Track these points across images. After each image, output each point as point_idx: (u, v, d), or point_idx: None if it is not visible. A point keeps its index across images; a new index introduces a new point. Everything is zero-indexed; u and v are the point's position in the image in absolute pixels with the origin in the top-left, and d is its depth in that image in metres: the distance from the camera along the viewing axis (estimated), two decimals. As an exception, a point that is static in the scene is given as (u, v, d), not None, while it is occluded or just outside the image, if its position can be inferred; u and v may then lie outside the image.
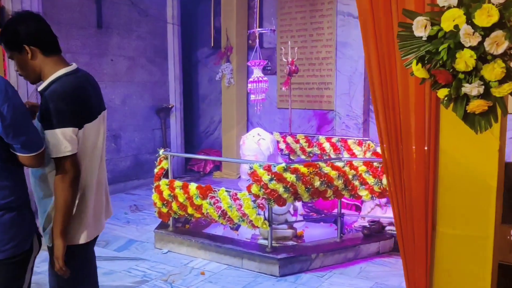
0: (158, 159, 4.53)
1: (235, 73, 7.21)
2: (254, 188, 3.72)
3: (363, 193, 3.92)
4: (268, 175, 3.68)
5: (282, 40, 7.08)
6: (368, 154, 4.94)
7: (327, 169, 3.84)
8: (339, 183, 3.88)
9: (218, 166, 7.75)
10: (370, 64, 2.20)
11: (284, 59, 5.76)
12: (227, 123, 7.39)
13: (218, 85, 7.74)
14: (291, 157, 5.79)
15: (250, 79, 5.07)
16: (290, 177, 3.68)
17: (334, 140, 5.50)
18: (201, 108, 8.15)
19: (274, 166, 3.74)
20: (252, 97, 5.09)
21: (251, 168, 3.81)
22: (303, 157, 5.76)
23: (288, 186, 3.68)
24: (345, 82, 6.37)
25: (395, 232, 4.34)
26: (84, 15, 6.03)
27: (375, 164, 3.93)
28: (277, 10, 7.10)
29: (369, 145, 5.05)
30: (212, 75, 7.84)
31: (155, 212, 4.44)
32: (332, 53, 6.60)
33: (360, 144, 5.31)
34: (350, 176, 3.93)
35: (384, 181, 3.82)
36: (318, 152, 5.61)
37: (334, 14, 6.54)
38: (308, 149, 5.68)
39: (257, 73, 5.04)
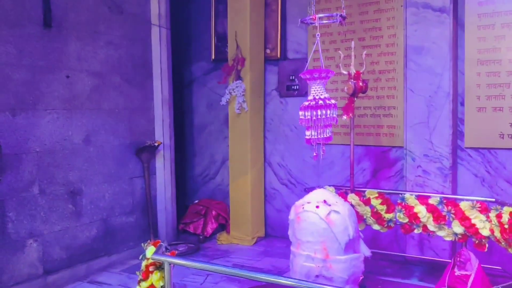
0: (143, 265, 2.32)
1: (249, 95, 5.04)
2: None
3: None
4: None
5: (316, 48, 4.96)
6: (524, 235, 2.81)
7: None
8: None
9: (223, 225, 5.52)
10: None
11: (344, 71, 3.63)
12: (237, 164, 5.20)
13: (221, 111, 5.58)
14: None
15: (305, 103, 2.90)
16: None
17: (433, 201, 3.36)
18: (197, 143, 5.93)
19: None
20: (308, 134, 2.92)
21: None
22: (376, 227, 3.59)
23: None
24: (421, 106, 4.27)
25: None
26: (22, 5, 3.81)
27: None
28: (308, 5, 5.00)
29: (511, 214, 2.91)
30: (213, 98, 5.67)
31: None
32: (398, 64, 4.51)
33: (484, 209, 3.18)
34: None
35: None
36: (405, 220, 3.45)
37: (399, 7, 4.48)
38: (387, 216, 3.52)
39: (318, 91, 2.88)
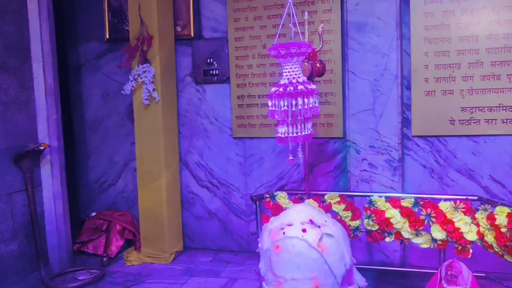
0: None
1: (159, 82, 4.14)
2: None
3: None
4: None
5: (237, 25, 4.22)
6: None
7: None
8: None
9: (131, 242, 4.57)
10: None
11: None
12: (146, 166, 4.27)
13: (121, 102, 4.62)
14: (318, 239, 2.97)
15: (279, 89, 2.15)
16: None
17: (407, 203, 2.83)
18: (90, 143, 4.86)
19: None
20: (282, 131, 2.19)
21: None
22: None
23: None
24: (366, 91, 3.77)
25: None
26: None
27: None
28: (227, -26, 4.24)
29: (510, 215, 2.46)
30: (110, 86, 4.67)
31: None
32: (335, 43, 3.95)
33: (468, 210, 2.72)
34: None
35: None
36: (374, 228, 2.89)
37: (336, -22, 3.91)
38: (353, 223, 2.93)
39: (294, 72, 2.14)
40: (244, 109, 4.22)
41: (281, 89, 2.12)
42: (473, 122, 3.65)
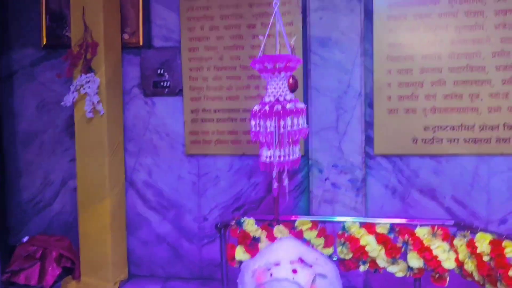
0: None
1: (105, 94, 3.77)
2: None
3: None
4: None
5: (192, 35, 3.94)
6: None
7: None
8: None
9: (69, 270, 4.11)
10: None
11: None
12: (88, 186, 3.86)
13: (59, 115, 4.21)
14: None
15: (265, 107, 1.91)
16: None
17: (382, 229, 2.66)
18: (23, 159, 4.35)
19: None
20: (267, 155, 1.94)
21: None
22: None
23: None
24: (329, 108, 3.61)
25: None
26: None
27: None
28: (181, -21, 3.96)
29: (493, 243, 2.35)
30: (47, 97, 4.23)
31: None
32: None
33: (445, 236, 2.59)
34: None
35: None
36: (348, 256, 2.69)
37: (298, -11, 3.74)
38: (326, 251, 2.72)
39: (280, 89, 1.91)
40: (198, 124, 3.94)
41: (267, 108, 1.87)
42: (436, 141, 3.58)
